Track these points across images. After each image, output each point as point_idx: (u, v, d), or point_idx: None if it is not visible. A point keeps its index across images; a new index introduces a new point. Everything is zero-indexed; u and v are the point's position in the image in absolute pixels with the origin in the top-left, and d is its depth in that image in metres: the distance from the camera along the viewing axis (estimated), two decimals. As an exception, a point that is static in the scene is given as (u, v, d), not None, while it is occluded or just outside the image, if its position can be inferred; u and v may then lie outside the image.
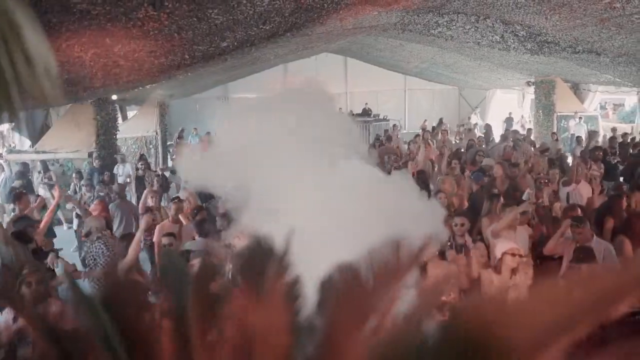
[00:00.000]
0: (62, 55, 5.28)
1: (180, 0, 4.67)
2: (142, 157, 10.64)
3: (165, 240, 5.36)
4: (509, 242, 4.58)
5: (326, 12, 6.75)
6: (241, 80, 23.56)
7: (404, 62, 20.91)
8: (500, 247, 4.48)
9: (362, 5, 7.39)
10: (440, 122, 21.48)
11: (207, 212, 6.39)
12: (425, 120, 21.48)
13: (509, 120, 21.27)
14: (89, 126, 11.41)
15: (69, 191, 8.93)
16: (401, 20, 12.38)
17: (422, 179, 8.03)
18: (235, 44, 6.79)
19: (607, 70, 13.57)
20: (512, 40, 12.80)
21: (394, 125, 16.50)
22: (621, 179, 8.87)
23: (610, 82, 15.15)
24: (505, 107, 22.34)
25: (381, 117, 21.66)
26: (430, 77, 23.25)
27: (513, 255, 4.34)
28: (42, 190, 9.89)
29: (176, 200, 6.37)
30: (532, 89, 17.66)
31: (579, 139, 12.86)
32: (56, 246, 7.26)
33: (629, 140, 11.85)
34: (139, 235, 4.84)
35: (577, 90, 17.56)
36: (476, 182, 7.51)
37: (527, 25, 11.23)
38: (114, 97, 11.26)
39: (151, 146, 15.83)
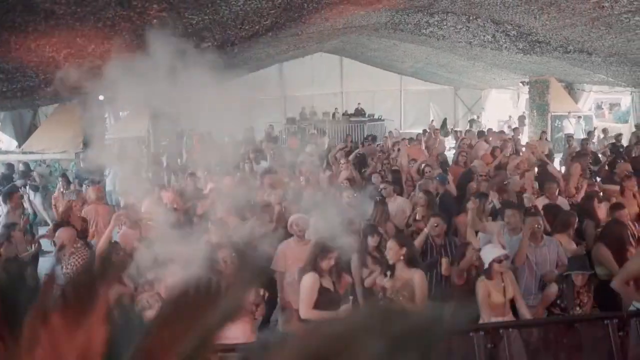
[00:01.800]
0: (33, 56, 5.23)
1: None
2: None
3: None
4: (496, 248, 4.52)
5: (307, 11, 6.69)
6: (236, 80, 23.53)
7: (398, 61, 20.86)
8: (489, 255, 4.42)
9: (344, 4, 7.33)
10: (445, 122, 21.45)
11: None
12: (433, 120, 21.40)
13: (472, 122, 21.40)
14: (76, 126, 11.36)
15: (54, 192, 8.90)
16: (391, 20, 12.33)
17: (395, 179, 8.06)
18: (216, 44, 6.73)
19: (600, 70, 13.51)
20: (503, 40, 12.75)
21: (390, 132, 16.45)
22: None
23: (603, 82, 15.09)
24: (501, 107, 22.27)
25: (376, 117, 21.59)
26: (425, 76, 23.19)
27: (500, 262, 4.31)
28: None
29: None
30: (526, 88, 17.61)
31: (569, 138, 12.79)
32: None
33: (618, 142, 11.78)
34: (107, 233, 4.76)
35: (571, 90, 17.50)
36: (441, 184, 7.62)
37: (517, 25, 11.18)
38: (101, 97, 11.13)
39: (143, 146, 15.74)
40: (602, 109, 22.49)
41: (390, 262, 4.30)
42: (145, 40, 6.08)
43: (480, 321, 4.08)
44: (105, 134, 13.48)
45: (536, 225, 4.97)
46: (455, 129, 20.36)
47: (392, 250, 4.31)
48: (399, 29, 13.54)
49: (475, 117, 22.45)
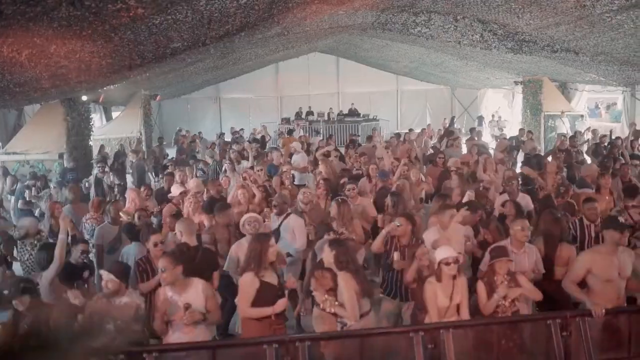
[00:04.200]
0: (-8, 57, 5.25)
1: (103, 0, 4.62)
2: (102, 159, 10.62)
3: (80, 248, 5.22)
4: (445, 249, 4.45)
5: (278, 11, 6.68)
6: (232, 81, 23.63)
7: (393, 61, 20.83)
8: (438, 255, 4.35)
9: (317, 4, 7.31)
10: (452, 122, 21.41)
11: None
12: (445, 118, 21.46)
13: (479, 119, 21.37)
14: (60, 127, 11.40)
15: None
16: (377, 20, 12.30)
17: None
18: (186, 44, 6.74)
19: (590, 69, 13.43)
20: (492, 39, 12.69)
21: (373, 129, 16.44)
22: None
23: (595, 81, 15.01)
24: (496, 106, 22.19)
25: (371, 117, 21.56)
26: (420, 76, 23.14)
27: (447, 264, 4.23)
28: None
29: (114, 202, 6.32)
30: (520, 88, 17.54)
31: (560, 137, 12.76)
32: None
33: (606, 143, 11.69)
34: (62, 237, 4.76)
35: (564, 89, 17.41)
36: (382, 180, 7.62)
37: (503, 24, 11.13)
38: (84, 97, 11.26)
39: (124, 148, 15.82)
40: (599, 108, 22.34)
41: (325, 264, 4.30)
42: (111, 40, 6.11)
43: (427, 320, 4.06)
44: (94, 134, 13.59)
45: (520, 230, 4.89)
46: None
47: (325, 253, 4.34)
48: (387, 28, 13.52)
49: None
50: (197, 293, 4.00)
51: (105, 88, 10.50)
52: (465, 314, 4.15)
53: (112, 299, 4.02)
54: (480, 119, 21.87)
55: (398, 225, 5.16)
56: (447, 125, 19.91)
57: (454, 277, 4.24)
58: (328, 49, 21.32)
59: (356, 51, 20.42)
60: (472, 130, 14.69)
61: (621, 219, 5.12)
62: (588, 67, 13.05)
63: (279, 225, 5.86)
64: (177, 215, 5.97)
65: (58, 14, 4.67)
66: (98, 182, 9.08)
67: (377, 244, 5.23)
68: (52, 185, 8.79)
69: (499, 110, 21.79)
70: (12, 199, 9.36)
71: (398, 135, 13.85)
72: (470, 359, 3.78)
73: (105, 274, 4.09)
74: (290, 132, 16.91)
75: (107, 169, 9.65)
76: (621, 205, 6.43)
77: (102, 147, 13.89)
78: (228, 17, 6.20)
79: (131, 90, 14.81)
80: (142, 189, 7.54)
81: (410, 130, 15.08)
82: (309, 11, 7.61)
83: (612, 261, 4.25)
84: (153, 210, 6.78)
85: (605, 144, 10.93)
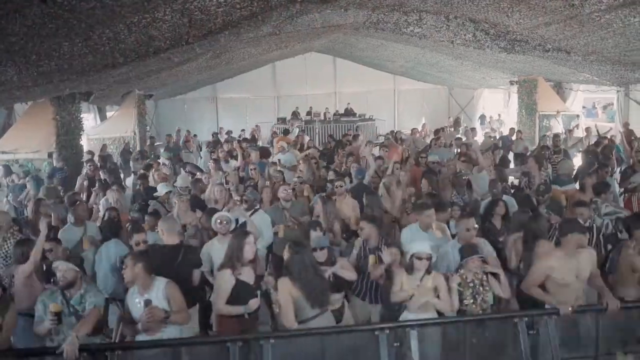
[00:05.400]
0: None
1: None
2: (91, 159, 10.63)
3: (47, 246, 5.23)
4: (420, 244, 4.45)
5: (260, 9, 6.67)
6: (229, 81, 23.65)
7: (388, 61, 20.81)
8: (412, 248, 4.38)
9: (303, 3, 7.29)
10: (457, 121, 21.37)
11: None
12: (450, 117, 21.34)
13: (482, 118, 21.27)
14: (49, 126, 11.39)
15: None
16: (369, 19, 12.30)
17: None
18: (168, 42, 6.74)
19: (583, 69, 13.40)
20: (484, 39, 12.68)
21: (357, 127, 16.48)
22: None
23: (589, 81, 14.97)
24: (493, 106, 22.14)
25: (367, 116, 21.53)
26: (417, 76, 23.12)
27: (420, 258, 4.24)
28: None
29: (78, 203, 6.33)
30: (516, 87, 17.52)
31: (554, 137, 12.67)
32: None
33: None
34: (40, 239, 4.77)
35: (559, 89, 17.38)
36: (356, 177, 7.68)
37: (493, 23, 11.12)
38: (74, 96, 11.22)
39: (129, 147, 15.83)
40: (596, 108, 22.31)
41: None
42: (90, 38, 6.11)
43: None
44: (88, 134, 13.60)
45: (466, 229, 4.89)
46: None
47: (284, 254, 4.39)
48: (379, 28, 13.51)
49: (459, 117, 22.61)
50: (159, 292, 4.00)
51: (94, 86, 10.49)
52: (446, 310, 4.15)
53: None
54: (483, 118, 21.79)
55: (362, 229, 5.14)
56: (452, 124, 19.96)
57: (427, 272, 4.26)
58: (324, 48, 21.31)
59: (352, 51, 20.42)
60: (472, 129, 14.74)
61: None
62: (581, 66, 13.02)
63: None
64: (155, 213, 5.97)
65: (30, 12, 4.66)
66: (89, 181, 9.13)
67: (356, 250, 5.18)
68: (29, 185, 8.81)
69: (494, 110, 21.76)
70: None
71: (392, 132, 13.85)
72: (436, 357, 3.77)
73: (61, 264, 4.09)
74: (285, 132, 16.91)
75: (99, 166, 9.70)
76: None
77: (104, 146, 13.87)
78: (209, 16, 6.20)
79: (125, 89, 14.81)
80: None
81: (397, 131, 15.07)
82: (293, 10, 7.60)
83: (570, 265, 4.22)
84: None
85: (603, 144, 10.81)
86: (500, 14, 9.95)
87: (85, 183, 9.42)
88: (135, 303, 3.94)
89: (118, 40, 6.05)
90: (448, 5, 9.87)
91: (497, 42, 12.70)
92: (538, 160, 7.81)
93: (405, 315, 4.14)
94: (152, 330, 3.86)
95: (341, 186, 6.87)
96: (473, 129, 14.88)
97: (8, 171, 10.10)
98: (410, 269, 4.30)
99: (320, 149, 11.94)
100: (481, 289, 4.30)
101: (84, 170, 10.64)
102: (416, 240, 4.75)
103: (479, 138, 16.14)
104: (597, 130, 12.77)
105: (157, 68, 9.90)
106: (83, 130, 12.28)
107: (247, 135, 17.35)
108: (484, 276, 4.35)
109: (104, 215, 6.45)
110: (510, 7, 9.31)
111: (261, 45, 13.60)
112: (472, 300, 4.19)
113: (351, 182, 8.03)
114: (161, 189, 7.33)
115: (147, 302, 3.81)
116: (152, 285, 4.02)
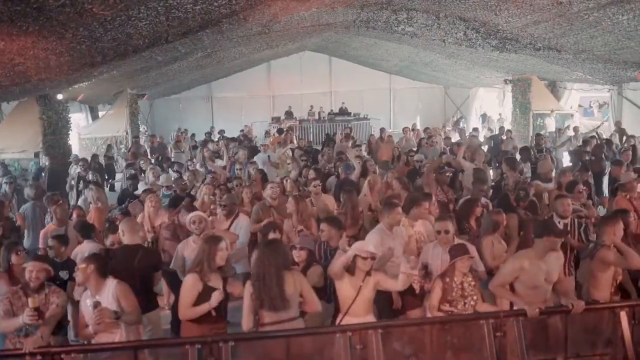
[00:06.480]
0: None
1: (44, -5, 4.56)
2: (82, 158, 10.56)
3: (50, 243, 5.22)
4: (363, 244, 4.33)
5: (240, 7, 6.61)
6: (224, 80, 23.58)
7: (383, 60, 20.74)
8: (355, 248, 4.23)
9: (285, 1, 7.23)
10: (458, 121, 21.25)
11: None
12: (453, 116, 21.18)
13: (483, 117, 21.21)
14: (36, 126, 11.33)
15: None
16: (359, 17, 12.23)
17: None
18: (147, 41, 6.67)
19: (576, 68, 13.34)
20: (475, 37, 12.61)
21: (345, 128, 16.46)
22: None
23: (582, 80, 14.90)
24: (488, 105, 22.05)
25: (362, 116, 21.46)
26: (411, 75, 23.05)
27: (364, 258, 4.13)
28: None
29: (59, 202, 6.27)
30: (510, 86, 17.44)
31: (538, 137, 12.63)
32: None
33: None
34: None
35: (554, 88, 17.29)
36: (345, 173, 7.73)
37: (483, 22, 11.06)
38: (60, 96, 11.17)
39: (122, 146, 15.79)
40: (592, 107, 22.23)
41: None
42: (64, 37, 6.04)
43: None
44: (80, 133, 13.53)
45: (444, 231, 4.81)
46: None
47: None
48: (370, 26, 13.45)
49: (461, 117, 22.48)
50: (108, 292, 3.94)
51: (77, 86, 10.43)
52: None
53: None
54: (484, 117, 21.66)
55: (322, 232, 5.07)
56: (454, 124, 19.86)
57: (369, 274, 4.16)
58: (318, 47, 21.24)
59: (346, 50, 20.35)
60: (474, 129, 14.68)
61: None
62: (573, 65, 12.96)
63: (229, 227, 5.80)
64: (127, 213, 5.93)
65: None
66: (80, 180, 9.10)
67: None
68: (4, 184, 8.76)
69: (490, 109, 21.68)
70: None
71: (383, 129, 13.81)
72: (401, 359, 3.70)
73: (31, 264, 4.05)
74: (280, 131, 16.84)
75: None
76: None
77: (109, 146, 13.73)
78: (187, 14, 6.14)
79: (116, 88, 14.75)
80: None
81: (383, 129, 15.04)
82: (276, 8, 7.53)
83: (540, 267, 4.15)
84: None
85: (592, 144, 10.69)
86: (488, 12, 9.89)
87: (73, 182, 9.38)
88: (87, 305, 3.89)
89: (94, 38, 5.99)
90: (436, 3, 9.80)
91: (488, 41, 12.64)
92: (509, 163, 7.78)
93: (348, 320, 4.03)
94: (102, 332, 3.81)
95: (318, 185, 6.85)
96: (475, 129, 14.73)
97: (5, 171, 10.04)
98: (352, 270, 4.16)
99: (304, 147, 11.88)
100: (470, 291, 4.22)
101: (72, 170, 10.61)
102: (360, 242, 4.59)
103: (481, 138, 16.11)
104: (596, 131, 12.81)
105: (142, 67, 9.85)
106: (71, 130, 12.22)
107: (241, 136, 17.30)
108: (472, 279, 4.28)
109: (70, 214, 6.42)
110: (498, 5, 9.24)
111: (252, 44, 13.54)
112: (462, 302, 4.12)
113: (338, 179, 8.00)
114: (141, 189, 7.27)
115: (96, 304, 3.76)
116: (104, 286, 3.98)
